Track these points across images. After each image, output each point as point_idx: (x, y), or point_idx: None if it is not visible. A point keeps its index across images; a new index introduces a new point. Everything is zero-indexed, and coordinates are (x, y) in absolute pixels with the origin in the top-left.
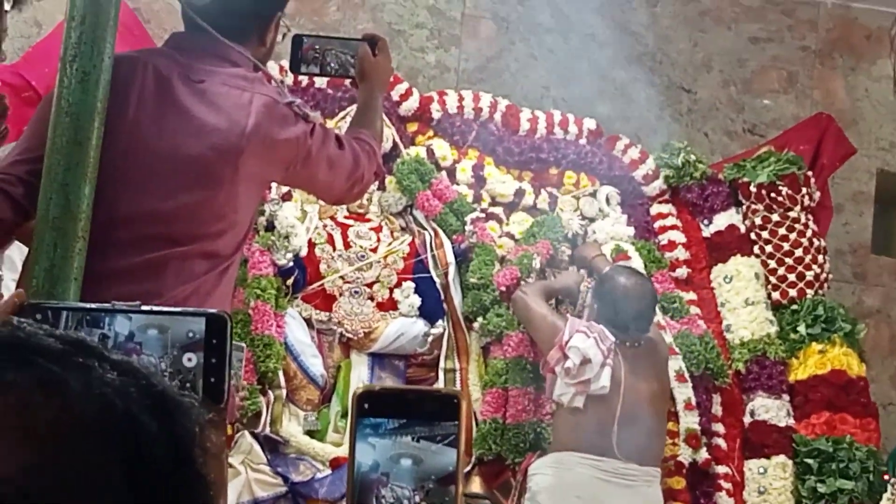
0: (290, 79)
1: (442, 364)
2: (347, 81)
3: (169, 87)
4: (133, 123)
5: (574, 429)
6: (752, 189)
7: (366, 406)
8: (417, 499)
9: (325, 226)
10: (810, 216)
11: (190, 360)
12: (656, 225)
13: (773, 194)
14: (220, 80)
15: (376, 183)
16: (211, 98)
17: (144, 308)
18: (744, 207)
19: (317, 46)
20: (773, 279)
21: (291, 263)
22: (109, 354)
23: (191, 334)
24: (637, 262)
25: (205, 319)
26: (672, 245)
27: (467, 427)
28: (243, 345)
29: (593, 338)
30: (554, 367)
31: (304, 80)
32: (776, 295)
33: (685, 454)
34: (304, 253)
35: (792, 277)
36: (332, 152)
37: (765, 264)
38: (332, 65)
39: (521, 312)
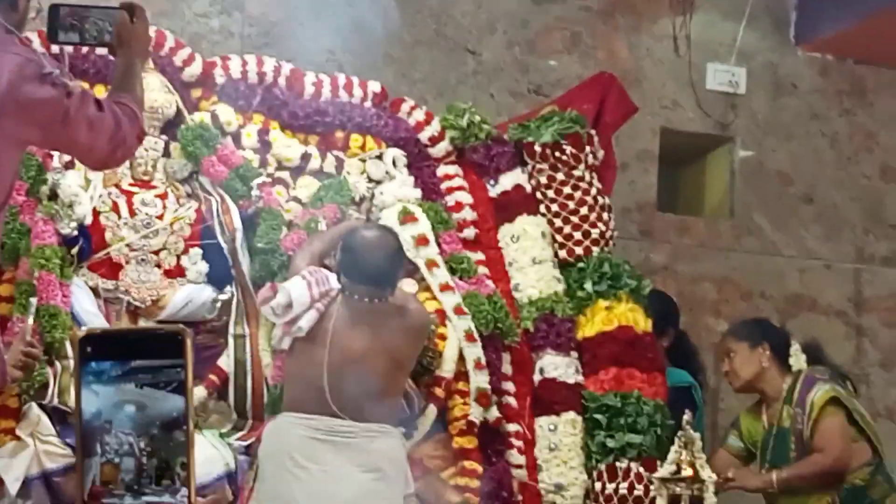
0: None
1: (231, 330)
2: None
3: None
4: None
5: (290, 387)
6: (537, 149)
7: (88, 350)
8: (142, 444)
9: (109, 193)
10: (594, 174)
11: None
12: (443, 186)
13: (557, 153)
14: None
15: (161, 150)
16: None
17: None
18: (529, 167)
19: (74, 15)
20: (559, 237)
21: (76, 232)
22: None
23: None
24: (424, 224)
25: None
26: (459, 206)
27: (257, 393)
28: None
29: (307, 281)
30: (260, 305)
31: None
32: (563, 253)
33: (476, 413)
34: (88, 221)
35: (578, 235)
36: (92, 114)
37: (551, 223)
38: (91, 32)
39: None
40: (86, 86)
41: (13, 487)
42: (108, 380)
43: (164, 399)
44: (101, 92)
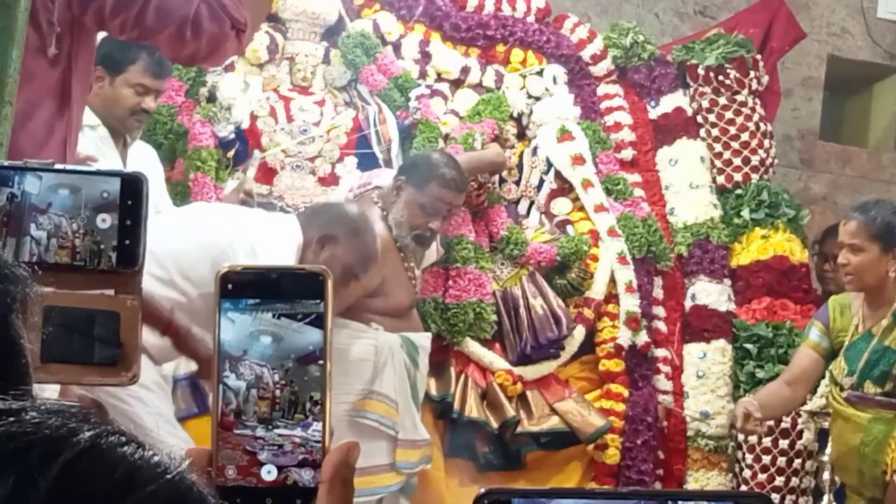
0: None
1: None
2: None
3: None
4: None
5: None
6: (700, 71)
7: (229, 287)
8: (277, 377)
9: (267, 98)
10: (758, 100)
11: (104, 221)
12: (603, 105)
13: (720, 77)
14: None
15: (321, 56)
16: None
17: (57, 167)
18: (691, 90)
19: None
20: (718, 163)
21: (233, 135)
22: None
23: (105, 195)
24: (582, 142)
25: (120, 180)
26: (618, 126)
27: None
28: None
29: None
30: None
31: None
32: (721, 179)
33: (624, 336)
34: (245, 125)
35: (737, 161)
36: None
37: (710, 148)
38: None
39: None
40: None
41: None
42: (245, 308)
43: (301, 331)
44: None
